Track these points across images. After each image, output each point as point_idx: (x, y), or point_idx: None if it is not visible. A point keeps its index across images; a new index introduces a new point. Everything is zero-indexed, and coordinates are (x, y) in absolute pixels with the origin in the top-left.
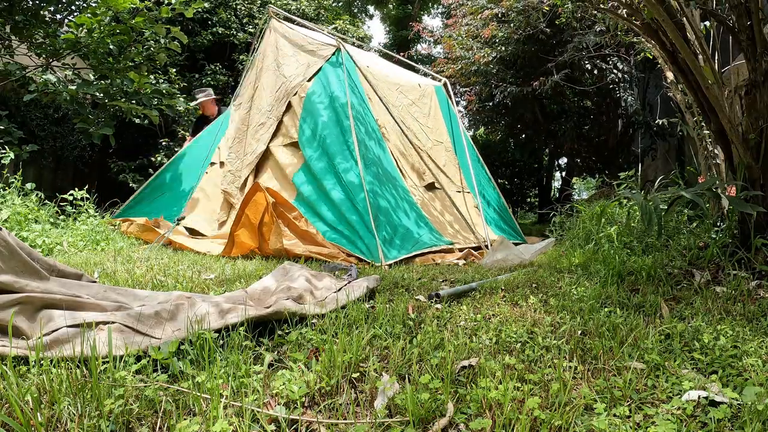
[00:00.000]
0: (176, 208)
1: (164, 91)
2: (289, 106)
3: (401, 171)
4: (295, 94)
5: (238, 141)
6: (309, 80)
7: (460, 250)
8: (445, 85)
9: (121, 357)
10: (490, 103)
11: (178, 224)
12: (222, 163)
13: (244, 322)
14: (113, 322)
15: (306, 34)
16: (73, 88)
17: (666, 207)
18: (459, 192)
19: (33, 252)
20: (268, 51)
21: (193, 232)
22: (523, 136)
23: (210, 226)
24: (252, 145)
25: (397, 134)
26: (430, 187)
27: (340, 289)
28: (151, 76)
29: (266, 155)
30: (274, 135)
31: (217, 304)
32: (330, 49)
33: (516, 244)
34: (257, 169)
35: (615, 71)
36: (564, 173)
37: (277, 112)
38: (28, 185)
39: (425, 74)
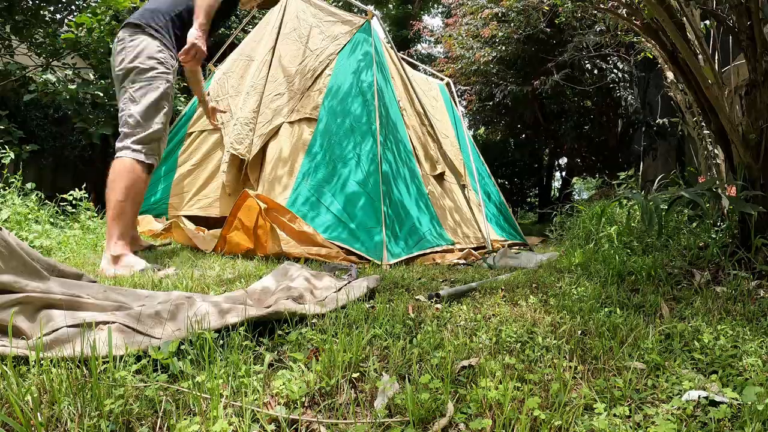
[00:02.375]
0: (156, 188)
1: None
2: (313, 81)
3: (417, 158)
4: (320, 71)
5: (241, 99)
6: (336, 54)
7: (461, 249)
8: (448, 84)
9: (121, 357)
10: (490, 103)
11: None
12: (218, 129)
13: (244, 322)
14: (113, 322)
15: (329, 7)
16: (73, 87)
17: (666, 207)
18: (464, 187)
19: (33, 252)
20: (287, 19)
21: (194, 221)
22: (523, 136)
23: (218, 204)
24: (266, 114)
25: (416, 117)
26: (440, 177)
27: (340, 289)
28: None
29: (278, 128)
30: (292, 110)
31: (216, 303)
32: (360, 20)
33: (516, 245)
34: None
35: (615, 71)
36: (564, 173)
37: (298, 86)
38: (28, 185)
39: (427, 73)
